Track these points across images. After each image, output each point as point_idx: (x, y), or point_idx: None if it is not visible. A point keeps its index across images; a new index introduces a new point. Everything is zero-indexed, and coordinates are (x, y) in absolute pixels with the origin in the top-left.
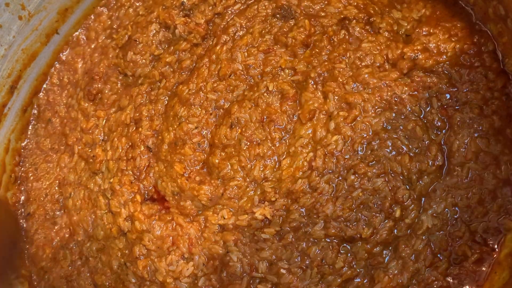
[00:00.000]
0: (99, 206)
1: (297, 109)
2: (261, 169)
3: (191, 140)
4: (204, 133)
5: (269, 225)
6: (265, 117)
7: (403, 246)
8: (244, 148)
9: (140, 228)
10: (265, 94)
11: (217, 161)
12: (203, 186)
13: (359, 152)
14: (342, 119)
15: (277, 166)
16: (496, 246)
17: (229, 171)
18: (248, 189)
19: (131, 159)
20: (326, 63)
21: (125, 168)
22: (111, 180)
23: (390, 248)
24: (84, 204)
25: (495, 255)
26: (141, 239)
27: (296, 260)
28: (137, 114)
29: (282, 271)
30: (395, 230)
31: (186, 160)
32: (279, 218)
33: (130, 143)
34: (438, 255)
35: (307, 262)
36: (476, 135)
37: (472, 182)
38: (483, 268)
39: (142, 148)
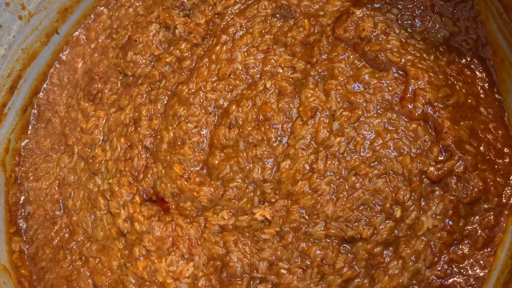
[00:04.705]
0: (99, 207)
1: (294, 106)
2: (260, 171)
3: (191, 139)
4: (203, 132)
5: (269, 225)
6: (260, 116)
7: (404, 246)
8: (242, 149)
9: (139, 229)
10: (263, 92)
11: (216, 162)
12: (203, 188)
13: (361, 153)
14: (345, 119)
15: (275, 168)
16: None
17: (228, 172)
18: (247, 190)
19: (129, 160)
20: (325, 62)
21: (123, 168)
22: (110, 181)
23: (391, 248)
24: (83, 204)
25: (495, 256)
26: (141, 240)
27: (296, 260)
28: (137, 114)
29: (282, 271)
30: (396, 231)
31: (186, 160)
32: (279, 218)
33: (129, 143)
34: (438, 255)
35: (307, 262)
36: None
37: None
38: (483, 269)
39: (140, 148)
